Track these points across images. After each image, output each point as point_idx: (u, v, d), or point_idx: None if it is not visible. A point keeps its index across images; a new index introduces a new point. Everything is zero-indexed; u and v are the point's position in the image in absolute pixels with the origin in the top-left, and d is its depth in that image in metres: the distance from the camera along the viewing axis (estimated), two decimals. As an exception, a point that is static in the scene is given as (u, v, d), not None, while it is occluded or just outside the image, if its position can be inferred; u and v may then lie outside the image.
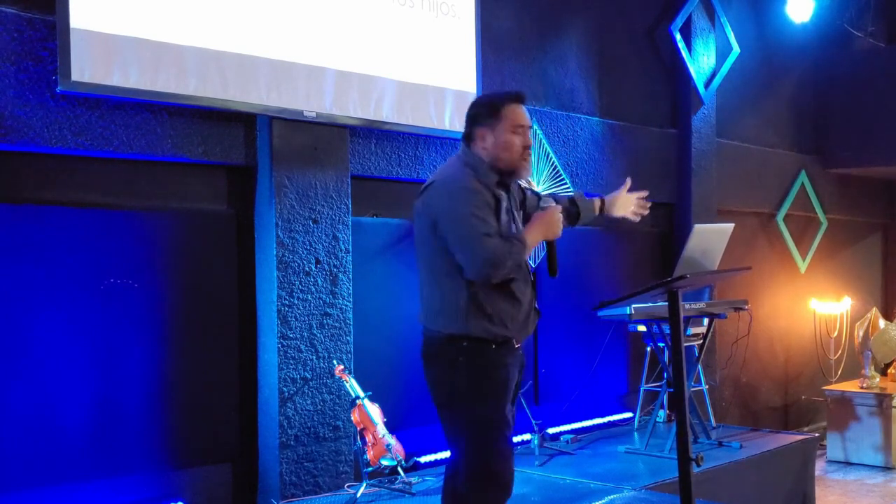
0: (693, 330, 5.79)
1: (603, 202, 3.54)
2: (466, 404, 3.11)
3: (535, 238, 3.16)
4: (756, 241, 7.99)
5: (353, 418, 4.42)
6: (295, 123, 4.49)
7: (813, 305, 8.47)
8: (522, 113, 3.19)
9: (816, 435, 6.35)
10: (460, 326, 3.09)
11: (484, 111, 3.19)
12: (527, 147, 3.18)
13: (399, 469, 4.45)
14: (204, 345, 4.40)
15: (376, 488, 4.53)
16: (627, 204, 3.58)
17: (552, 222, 3.16)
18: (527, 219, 3.32)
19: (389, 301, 5.11)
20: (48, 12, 3.76)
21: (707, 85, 7.01)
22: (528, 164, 3.21)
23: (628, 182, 3.59)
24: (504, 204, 3.18)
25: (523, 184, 3.51)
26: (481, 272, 3.01)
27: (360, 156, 4.89)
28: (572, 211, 3.47)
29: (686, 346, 4.89)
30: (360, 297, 4.82)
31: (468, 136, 3.22)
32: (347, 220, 4.74)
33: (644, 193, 3.63)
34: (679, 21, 6.78)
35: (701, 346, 5.66)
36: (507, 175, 3.19)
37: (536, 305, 3.30)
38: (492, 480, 3.08)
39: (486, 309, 3.08)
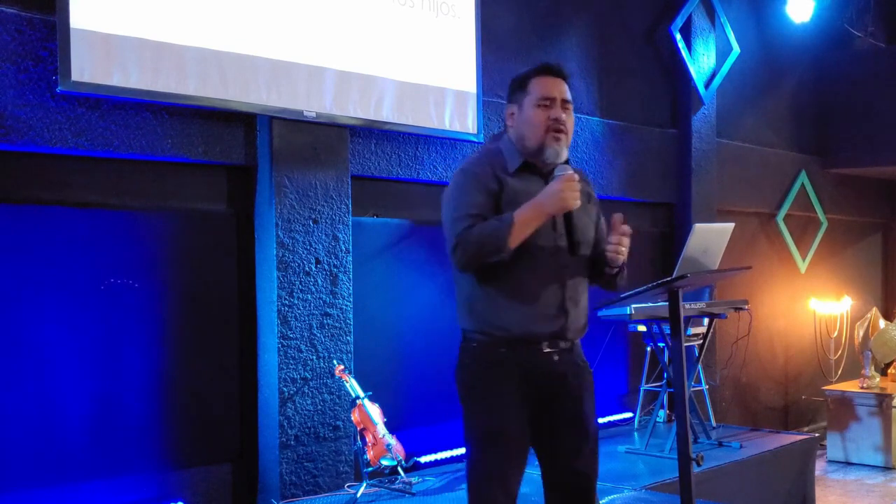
0: (693, 330, 5.79)
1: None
2: (466, 408, 2.94)
3: (529, 213, 2.71)
4: (756, 241, 7.99)
5: (353, 418, 4.42)
6: (295, 123, 4.48)
7: (813, 305, 8.47)
8: (551, 84, 2.85)
9: (816, 435, 6.35)
10: (467, 324, 2.88)
11: (513, 87, 2.92)
12: (556, 120, 2.82)
13: (399, 469, 4.45)
14: (204, 344, 4.40)
15: (376, 488, 4.53)
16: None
17: (553, 192, 2.71)
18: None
19: (389, 301, 5.12)
20: (48, 12, 3.76)
21: (707, 85, 7.01)
22: (557, 141, 2.83)
23: (617, 217, 2.92)
24: (512, 189, 2.81)
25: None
26: (451, 255, 2.75)
27: (360, 156, 4.89)
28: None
29: (686, 346, 4.89)
30: (360, 297, 4.82)
31: (504, 120, 2.97)
32: (347, 220, 4.73)
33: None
34: (679, 21, 6.78)
35: (701, 346, 5.66)
36: (534, 154, 2.85)
37: (566, 303, 2.84)
38: (473, 493, 2.85)
39: (489, 304, 2.81)
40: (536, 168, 2.88)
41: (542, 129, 2.83)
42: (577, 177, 2.77)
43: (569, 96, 2.89)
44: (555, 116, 2.83)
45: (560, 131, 2.84)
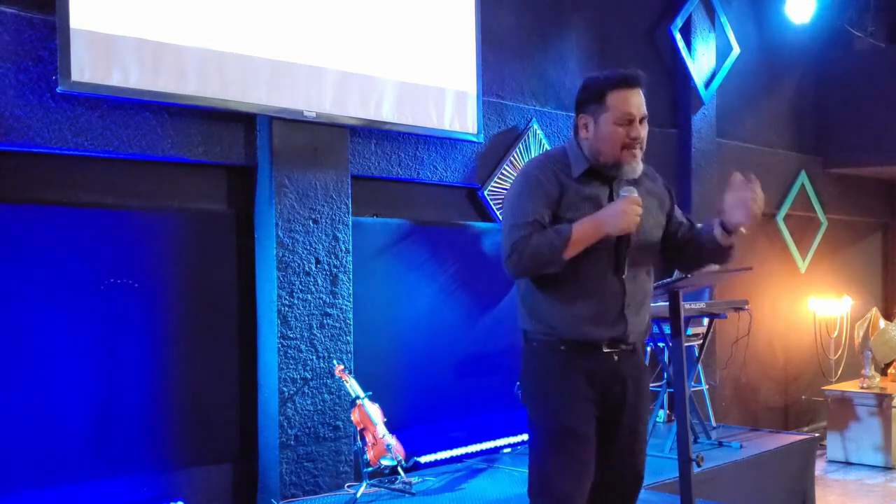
0: (693, 330, 5.79)
1: (721, 221, 2.92)
2: (529, 408, 2.92)
3: (587, 230, 2.73)
4: (756, 241, 7.98)
5: (353, 418, 4.42)
6: (295, 123, 4.48)
7: (813, 305, 8.47)
8: (631, 100, 2.85)
9: (816, 435, 6.35)
10: (527, 325, 2.90)
11: (588, 97, 2.88)
12: (635, 139, 2.84)
13: (399, 469, 4.45)
14: (204, 345, 4.40)
15: (376, 488, 4.53)
16: (741, 202, 2.86)
17: (614, 213, 2.74)
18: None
19: (389, 301, 5.11)
20: (48, 12, 3.76)
21: (707, 85, 7.01)
22: (633, 158, 2.86)
23: (737, 175, 2.90)
24: (574, 194, 2.82)
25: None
26: (504, 262, 2.77)
27: (360, 156, 4.89)
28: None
29: (686, 346, 4.89)
30: (360, 297, 4.82)
31: (575, 126, 2.93)
32: (347, 220, 4.73)
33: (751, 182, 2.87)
34: (679, 21, 6.78)
35: (701, 346, 5.66)
36: (608, 168, 2.86)
37: (625, 309, 2.84)
38: (540, 495, 2.84)
39: (546, 306, 2.83)
40: (600, 174, 2.88)
41: (620, 146, 2.84)
42: (640, 200, 2.79)
43: (645, 110, 2.90)
44: (634, 135, 2.85)
45: (638, 148, 2.87)
